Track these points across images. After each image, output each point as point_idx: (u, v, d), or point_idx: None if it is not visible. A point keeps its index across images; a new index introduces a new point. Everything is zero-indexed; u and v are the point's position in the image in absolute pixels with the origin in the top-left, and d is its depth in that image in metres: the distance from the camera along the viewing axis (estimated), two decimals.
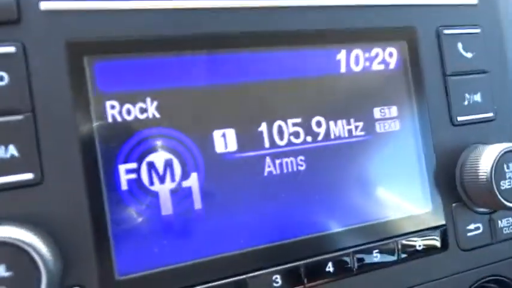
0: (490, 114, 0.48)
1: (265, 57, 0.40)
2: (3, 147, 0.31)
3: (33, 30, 0.33)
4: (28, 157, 0.32)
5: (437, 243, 0.45)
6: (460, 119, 0.46)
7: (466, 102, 0.47)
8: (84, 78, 0.34)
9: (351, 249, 0.41)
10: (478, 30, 0.48)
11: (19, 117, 0.32)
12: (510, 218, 0.48)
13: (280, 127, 0.40)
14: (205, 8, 0.38)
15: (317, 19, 0.41)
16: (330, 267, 0.40)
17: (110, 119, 0.35)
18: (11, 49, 0.32)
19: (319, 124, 0.41)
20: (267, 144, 0.39)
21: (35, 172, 0.32)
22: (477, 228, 0.47)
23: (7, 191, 0.31)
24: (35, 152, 0.32)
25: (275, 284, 0.38)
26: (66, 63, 0.33)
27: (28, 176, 0.32)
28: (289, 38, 0.40)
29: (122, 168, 0.35)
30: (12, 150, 0.32)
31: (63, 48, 0.33)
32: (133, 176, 0.35)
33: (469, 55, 0.47)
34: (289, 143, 0.40)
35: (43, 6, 0.33)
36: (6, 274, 0.28)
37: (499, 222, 0.48)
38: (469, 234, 0.46)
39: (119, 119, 0.35)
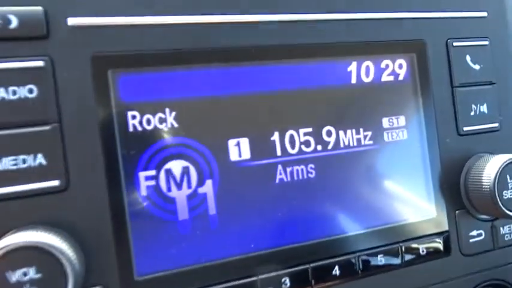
0: (496, 125, 0.49)
1: (278, 69, 0.41)
2: (32, 156, 0.34)
3: (60, 45, 0.35)
4: (55, 165, 0.34)
5: (440, 248, 0.47)
6: (466, 129, 0.48)
7: (472, 113, 0.48)
8: (107, 90, 0.36)
9: (357, 253, 0.43)
10: (486, 43, 0.49)
11: (47, 127, 0.34)
12: (511, 226, 0.50)
13: (291, 136, 0.42)
14: (221, 22, 0.39)
15: (329, 32, 0.43)
16: (336, 270, 0.42)
17: (131, 129, 0.37)
18: (39, 63, 0.34)
19: (329, 133, 0.43)
20: (278, 152, 0.41)
21: (61, 179, 0.34)
22: (479, 235, 0.48)
23: (36, 197, 0.33)
24: (61, 160, 0.34)
25: (284, 286, 0.40)
26: (91, 76, 0.35)
27: (54, 183, 0.34)
28: (302, 50, 0.42)
29: (142, 175, 0.37)
30: (40, 158, 0.34)
31: (89, 62, 0.35)
32: (152, 182, 0.37)
33: (476, 67, 0.49)
34: (300, 152, 0.42)
35: (70, 22, 0.35)
36: (37, 276, 0.31)
37: (501, 229, 0.49)
38: (471, 240, 0.48)
39: (139, 128, 0.37)
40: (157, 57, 0.37)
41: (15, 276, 0.30)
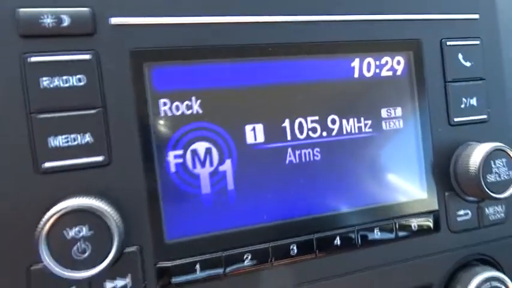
0: (484, 117, 0.55)
1: (290, 64, 0.47)
2: (81, 135, 0.40)
3: (104, 41, 0.40)
4: (99, 143, 0.40)
5: (431, 225, 0.52)
6: (456, 119, 0.53)
7: (463, 105, 0.54)
8: (143, 80, 0.41)
9: (356, 227, 0.49)
10: (477, 42, 0.54)
11: (93, 111, 0.40)
12: (496, 207, 0.55)
13: (300, 123, 0.47)
14: (241, 22, 0.45)
15: (335, 32, 0.48)
16: (337, 241, 0.48)
17: (162, 114, 0.43)
18: (87, 56, 0.40)
19: (333, 121, 0.49)
20: (289, 137, 0.47)
21: (105, 155, 0.40)
22: (466, 214, 0.54)
23: (84, 170, 0.40)
24: (104, 139, 0.40)
25: (291, 253, 0.46)
26: (129, 67, 0.41)
27: (99, 158, 0.40)
28: (311, 48, 0.47)
29: (171, 154, 0.43)
30: (88, 137, 0.40)
31: (127, 55, 0.41)
32: (180, 160, 0.43)
33: (468, 64, 0.54)
34: (308, 137, 0.48)
35: (113, 21, 0.41)
36: (89, 233, 0.37)
37: (486, 209, 0.55)
38: (458, 219, 0.54)
39: (169, 113, 0.43)
40: (185, 52, 0.43)
41: (71, 233, 0.36)
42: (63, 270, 0.36)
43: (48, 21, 0.38)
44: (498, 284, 0.53)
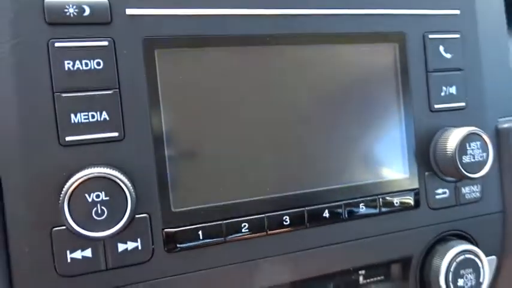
0: (462, 104, 0.60)
1: (285, 51, 0.52)
2: (98, 113, 0.45)
3: (120, 29, 0.45)
4: (115, 120, 0.45)
5: (411, 202, 0.57)
6: (436, 106, 0.58)
7: (443, 93, 0.59)
8: (154, 64, 0.46)
9: (343, 202, 0.54)
10: (457, 36, 0.59)
11: (109, 92, 0.45)
12: (472, 187, 0.60)
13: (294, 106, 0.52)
14: (242, 14, 0.49)
15: (326, 24, 0.53)
16: (326, 214, 0.53)
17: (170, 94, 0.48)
18: (105, 43, 0.45)
19: (322, 106, 0.54)
20: (285, 116, 0.52)
21: (119, 131, 0.45)
22: (444, 193, 0.59)
23: (101, 143, 0.44)
24: (119, 117, 0.45)
25: (285, 223, 0.51)
26: (142, 53, 0.46)
27: (115, 134, 0.45)
28: (304, 38, 0.52)
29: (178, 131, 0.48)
30: (105, 115, 0.45)
31: (140, 43, 0.46)
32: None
33: (448, 56, 0.59)
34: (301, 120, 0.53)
35: (128, 12, 0.45)
36: (106, 198, 0.42)
37: (463, 189, 0.60)
38: (437, 196, 0.59)
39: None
40: (191, 40, 0.48)
41: (91, 197, 0.41)
42: (82, 230, 0.41)
43: (71, 10, 0.43)
44: (471, 256, 0.58)
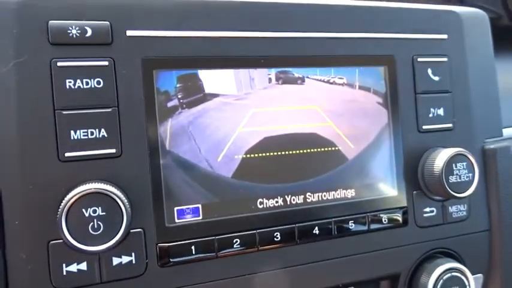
0: (450, 125, 0.62)
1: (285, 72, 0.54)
2: (97, 130, 0.46)
3: (120, 50, 0.47)
4: (113, 138, 0.47)
5: (400, 220, 0.59)
6: (424, 127, 0.60)
7: (430, 115, 0.61)
8: (152, 84, 0.48)
9: (333, 219, 0.55)
10: (445, 59, 0.62)
11: (108, 110, 0.46)
12: (459, 206, 0.62)
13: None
14: (236, 37, 0.51)
15: (319, 47, 0.55)
16: (316, 231, 0.54)
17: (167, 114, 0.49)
18: (105, 63, 0.46)
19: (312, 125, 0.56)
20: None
21: (117, 148, 0.47)
22: (432, 211, 0.61)
23: (99, 160, 0.46)
24: (117, 134, 0.47)
25: (276, 239, 0.53)
26: (141, 73, 0.48)
27: (112, 150, 0.47)
28: (297, 60, 0.54)
29: (174, 148, 0.49)
30: (103, 132, 0.46)
31: (139, 63, 0.48)
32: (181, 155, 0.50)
33: (436, 78, 0.61)
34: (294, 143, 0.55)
35: (128, 33, 0.47)
36: (102, 213, 0.43)
37: (450, 208, 0.62)
38: (424, 215, 0.60)
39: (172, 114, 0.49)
40: (188, 61, 0.50)
41: (88, 212, 0.43)
42: (78, 244, 0.43)
43: (74, 31, 0.45)
44: (458, 274, 0.60)
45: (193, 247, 0.50)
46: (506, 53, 0.78)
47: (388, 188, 0.59)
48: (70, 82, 0.45)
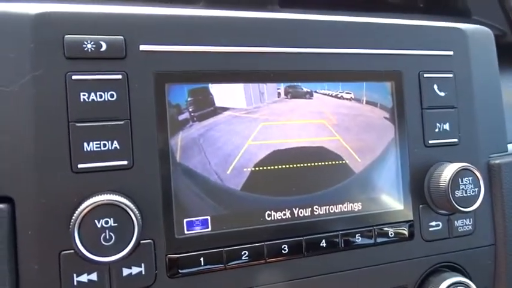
0: (455, 140, 0.62)
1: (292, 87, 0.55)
2: (110, 142, 0.47)
3: (133, 64, 0.48)
4: (125, 150, 0.47)
5: (406, 234, 0.59)
6: (431, 142, 0.61)
7: (437, 130, 0.61)
8: (164, 97, 0.49)
9: (340, 232, 0.56)
10: (451, 75, 0.63)
11: (121, 122, 0.47)
12: (464, 220, 0.63)
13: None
14: (247, 52, 0.52)
15: (329, 62, 0.56)
16: (323, 243, 0.55)
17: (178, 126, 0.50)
18: (119, 76, 0.47)
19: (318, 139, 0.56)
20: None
21: (129, 160, 0.47)
22: (437, 225, 0.61)
23: (112, 171, 0.47)
24: (129, 146, 0.48)
25: (283, 251, 0.53)
26: (153, 87, 0.49)
27: (124, 162, 0.47)
28: (306, 75, 0.55)
29: (184, 161, 0.50)
30: (116, 144, 0.47)
31: (152, 77, 0.49)
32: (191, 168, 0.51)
33: (442, 94, 0.62)
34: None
35: (141, 48, 0.48)
36: (114, 224, 0.44)
37: (455, 222, 0.62)
38: (430, 229, 0.61)
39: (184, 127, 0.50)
40: (198, 75, 0.51)
41: (100, 223, 0.43)
42: (90, 255, 0.43)
43: (89, 46, 0.46)
44: None
45: (202, 258, 0.50)
46: (511, 70, 0.79)
47: (395, 201, 0.59)
48: (84, 95, 0.46)
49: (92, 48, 0.46)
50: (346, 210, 0.57)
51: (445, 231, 0.62)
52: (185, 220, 0.50)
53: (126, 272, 0.47)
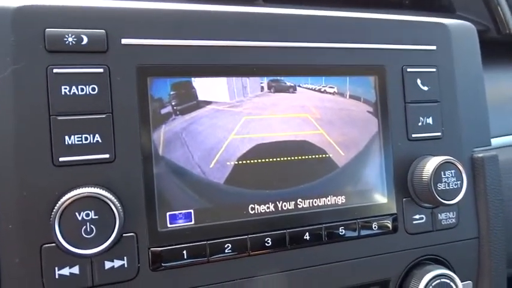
0: (438, 134, 0.63)
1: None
2: (91, 135, 0.47)
3: (115, 58, 0.48)
4: (107, 143, 0.47)
5: (389, 227, 0.60)
6: (414, 135, 0.61)
7: (420, 124, 0.62)
8: (146, 91, 0.49)
9: (323, 225, 0.56)
10: (434, 70, 0.63)
11: (103, 116, 0.47)
12: (448, 213, 0.63)
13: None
14: (228, 46, 0.53)
15: (313, 56, 0.57)
16: (307, 236, 0.55)
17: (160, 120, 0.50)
18: (100, 70, 0.47)
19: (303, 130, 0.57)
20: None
21: (110, 153, 0.48)
22: (421, 218, 0.62)
23: (93, 164, 0.47)
24: (111, 140, 0.48)
25: (267, 244, 0.53)
26: (135, 80, 0.49)
27: (106, 155, 0.47)
28: (290, 69, 0.55)
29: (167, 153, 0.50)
30: (97, 137, 0.47)
31: (134, 71, 0.49)
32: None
33: (425, 88, 0.62)
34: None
35: (123, 41, 0.48)
36: (95, 217, 0.44)
37: (439, 215, 0.63)
38: (414, 222, 0.61)
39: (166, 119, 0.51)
40: (180, 69, 0.51)
41: (81, 215, 0.44)
42: (71, 248, 0.43)
43: (70, 39, 0.46)
44: (447, 280, 0.60)
45: (185, 252, 0.50)
46: (494, 65, 0.80)
47: (379, 195, 0.60)
48: (65, 88, 0.46)
49: (73, 42, 0.46)
50: (329, 203, 0.57)
51: (429, 224, 0.62)
52: (168, 213, 0.50)
53: (108, 265, 0.47)
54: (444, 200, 0.58)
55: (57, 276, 0.45)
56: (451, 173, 0.59)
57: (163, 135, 0.50)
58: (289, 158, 0.55)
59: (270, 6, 0.58)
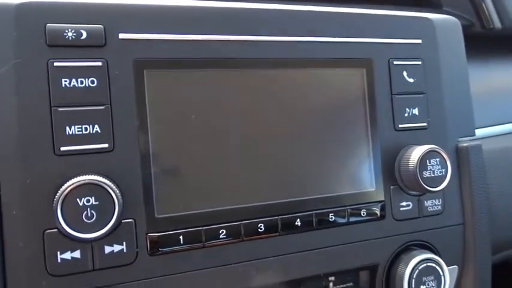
0: (424, 124, 0.65)
1: (264, 75, 0.57)
2: (91, 126, 0.49)
3: (113, 52, 0.50)
4: (106, 133, 0.50)
5: (377, 213, 0.62)
6: (400, 126, 0.64)
7: (406, 114, 0.64)
8: (143, 83, 0.51)
9: (314, 211, 0.58)
10: (419, 62, 0.66)
11: (102, 107, 0.50)
12: (434, 200, 0.66)
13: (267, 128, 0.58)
14: (222, 40, 0.55)
15: (302, 50, 0.59)
16: (298, 222, 0.58)
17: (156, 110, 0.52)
18: (99, 63, 0.50)
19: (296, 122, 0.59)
20: (260, 134, 0.57)
21: (109, 143, 0.50)
22: (408, 205, 0.64)
23: (93, 154, 0.49)
24: (110, 130, 0.50)
25: (259, 230, 0.56)
26: (132, 74, 0.51)
27: (105, 145, 0.50)
28: (280, 63, 0.58)
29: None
30: (97, 128, 0.49)
31: (131, 64, 0.51)
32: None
33: (411, 80, 0.65)
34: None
35: (121, 36, 0.51)
36: (96, 203, 0.46)
37: (425, 202, 0.65)
38: (401, 209, 0.64)
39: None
40: (176, 62, 0.53)
41: (82, 201, 0.46)
42: (73, 232, 0.46)
43: (70, 34, 0.48)
44: (433, 264, 0.63)
45: (181, 237, 0.52)
46: (479, 58, 0.82)
47: (367, 183, 0.62)
48: (66, 81, 0.48)
49: (73, 37, 0.49)
50: (320, 191, 0.59)
51: (415, 211, 0.65)
52: (165, 200, 0.52)
53: (108, 249, 0.50)
54: (429, 186, 0.61)
55: (59, 260, 0.48)
56: (436, 161, 0.62)
57: (159, 126, 0.52)
58: (279, 149, 0.58)
59: (262, 2, 0.60)
